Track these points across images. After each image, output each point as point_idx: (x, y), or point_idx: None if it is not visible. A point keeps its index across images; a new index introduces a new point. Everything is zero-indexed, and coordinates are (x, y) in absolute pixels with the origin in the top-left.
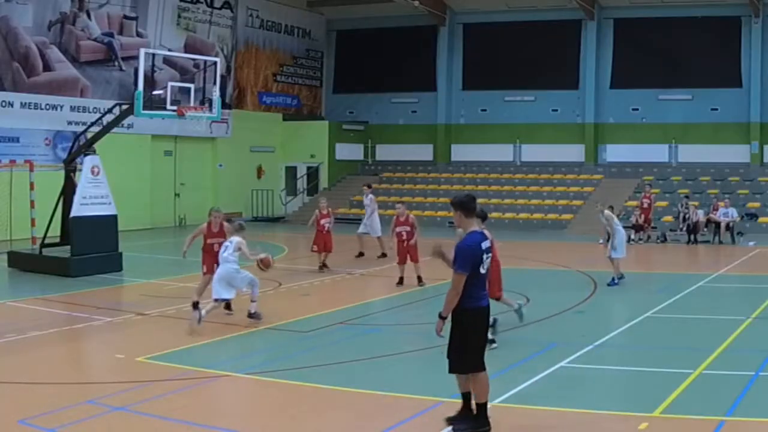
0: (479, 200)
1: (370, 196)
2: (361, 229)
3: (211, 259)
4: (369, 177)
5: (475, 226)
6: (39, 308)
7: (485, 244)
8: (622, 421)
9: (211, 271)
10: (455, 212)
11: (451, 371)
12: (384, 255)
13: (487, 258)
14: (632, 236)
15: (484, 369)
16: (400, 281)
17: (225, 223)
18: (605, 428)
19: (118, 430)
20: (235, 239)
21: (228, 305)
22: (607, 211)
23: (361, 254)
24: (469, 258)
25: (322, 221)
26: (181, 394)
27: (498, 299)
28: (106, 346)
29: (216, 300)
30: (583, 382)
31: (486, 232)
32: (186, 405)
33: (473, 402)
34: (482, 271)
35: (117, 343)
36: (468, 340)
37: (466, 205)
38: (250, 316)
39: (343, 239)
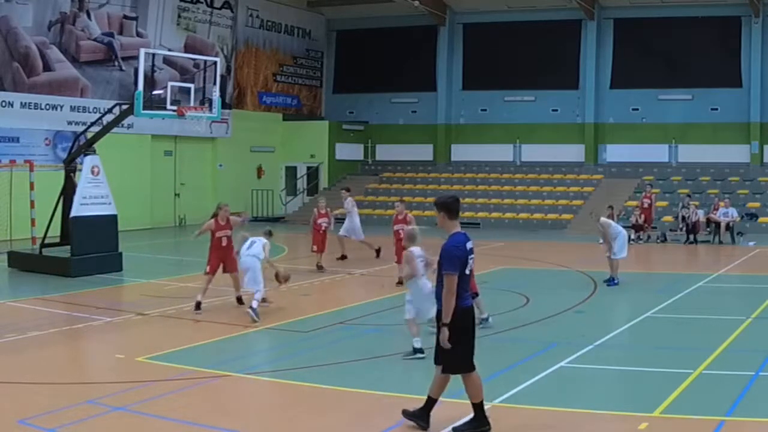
0: (479, 200)
1: (349, 199)
2: (342, 232)
3: (216, 259)
4: (369, 177)
5: (457, 227)
6: (39, 308)
7: (469, 245)
8: (622, 421)
9: (213, 272)
10: (439, 213)
11: (444, 372)
12: (378, 250)
13: (471, 259)
14: (632, 236)
15: (474, 369)
16: (400, 281)
17: (231, 217)
18: (605, 428)
19: (118, 430)
20: (263, 240)
21: (239, 299)
22: (603, 219)
23: (343, 257)
24: (455, 258)
25: (320, 221)
26: (181, 394)
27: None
28: (106, 346)
29: (256, 291)
30: (583, 382)
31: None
32: (186, 405)
33: (435, 406)
34: (467, 272)
35: (117, 343)
36: (459, 341)
37: (449, 207)
38: (250, 308)
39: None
